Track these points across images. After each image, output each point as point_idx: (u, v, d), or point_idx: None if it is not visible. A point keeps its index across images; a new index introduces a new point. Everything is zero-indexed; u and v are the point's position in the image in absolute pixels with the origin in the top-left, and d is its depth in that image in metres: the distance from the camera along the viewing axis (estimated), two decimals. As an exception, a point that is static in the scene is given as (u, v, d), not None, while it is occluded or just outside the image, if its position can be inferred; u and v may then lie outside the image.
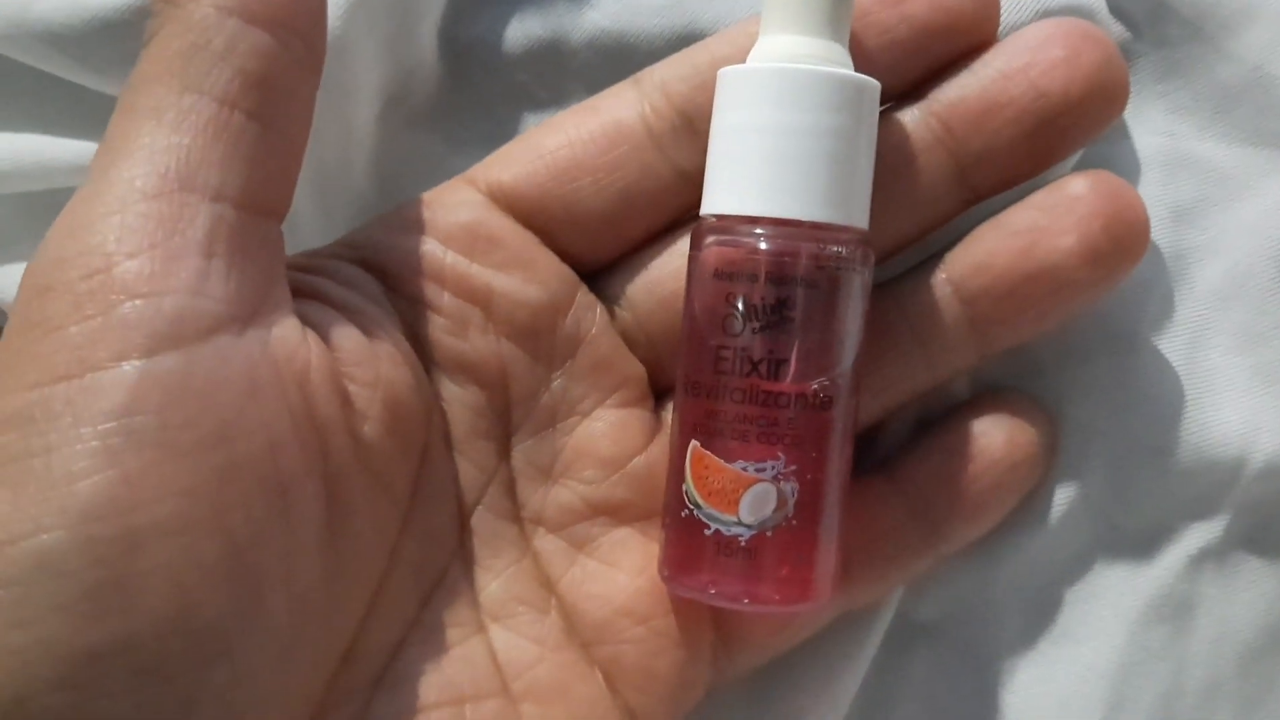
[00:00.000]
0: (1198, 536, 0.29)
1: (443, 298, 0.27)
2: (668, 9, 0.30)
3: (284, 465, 0.22)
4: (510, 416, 0.27)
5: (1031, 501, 0.29)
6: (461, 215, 0.27)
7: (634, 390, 0.28)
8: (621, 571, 0.27)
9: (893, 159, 0.27)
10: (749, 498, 0.24)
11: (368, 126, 0.30)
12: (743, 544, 0.24)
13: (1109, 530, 0.29)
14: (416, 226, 0.27)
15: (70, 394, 0.20)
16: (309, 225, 0.30)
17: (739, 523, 0.24)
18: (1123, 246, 0.27)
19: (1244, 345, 0.29)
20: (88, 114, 0.30)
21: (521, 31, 0.31)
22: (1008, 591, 0.29)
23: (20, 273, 0.30)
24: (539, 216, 0.27)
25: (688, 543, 0.25)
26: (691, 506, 0.25)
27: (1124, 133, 0.30)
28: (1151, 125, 0.30)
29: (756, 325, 0.24)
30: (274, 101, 0.23)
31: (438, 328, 0.27)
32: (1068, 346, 0.29)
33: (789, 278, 0.24)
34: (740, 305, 0.24)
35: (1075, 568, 0.29)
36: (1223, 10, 0.30)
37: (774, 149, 0.24)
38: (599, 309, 0.28)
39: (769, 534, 0.24)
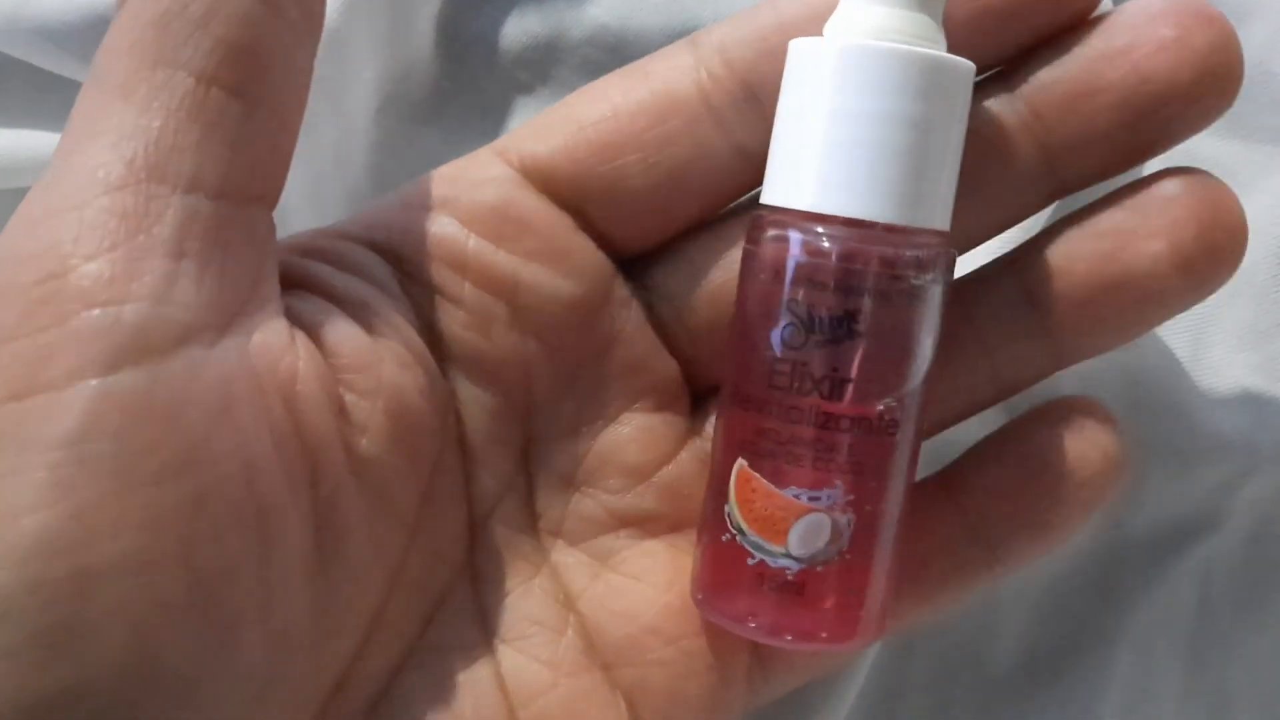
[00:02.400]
0: (1202, 533, 0.29)
1: (463, 289, 0.24)
2: (668, 5, 0.30)
3: (263, 491, 0.20)
4: (531, 421, 0.25)
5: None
6: (488, 194, 0.24)
7: (666, 393, 0.25)
8: (649, 587, 0.24)
9: (974, 145, 0.23)
10: (800, 528, 0.22)
11: (365, 123, 0.30)
12: (789, 578, 0.22)
13: (1113, 528, 0.29)
14: (437, 205, 0.24)
15: (19, 416, 0.18)
16: (302, 223, 0.30)
17: (787, 554, 0.22)
18: (1218, 255, 0.24)
19: (1247, 342, 0.29)
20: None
21: (521, 27, 0.30)
22: (1012, 590, 0.29)
23: None
24: (577, 197, 0.24)
25: (727, 569, 0.23)
26: (734, 531, 0.22)
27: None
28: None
29: (820, 338, 0.21)
30: (261, 75, 0.20)
31: (456, 323, 0.24)
32: None
33: (859, 287, 0.21)
34: (803, 314, 0.22)
35: (1080, 566, 0.29)
36: (1222, 6, 0.30)
37: (852, 138, 0.21)
38: (634, 305, 0.25)
39: (819, 568, 0.22)
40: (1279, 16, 0.30)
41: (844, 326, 0.21)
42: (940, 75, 0.21)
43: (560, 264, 0.24)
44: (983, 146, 0.24)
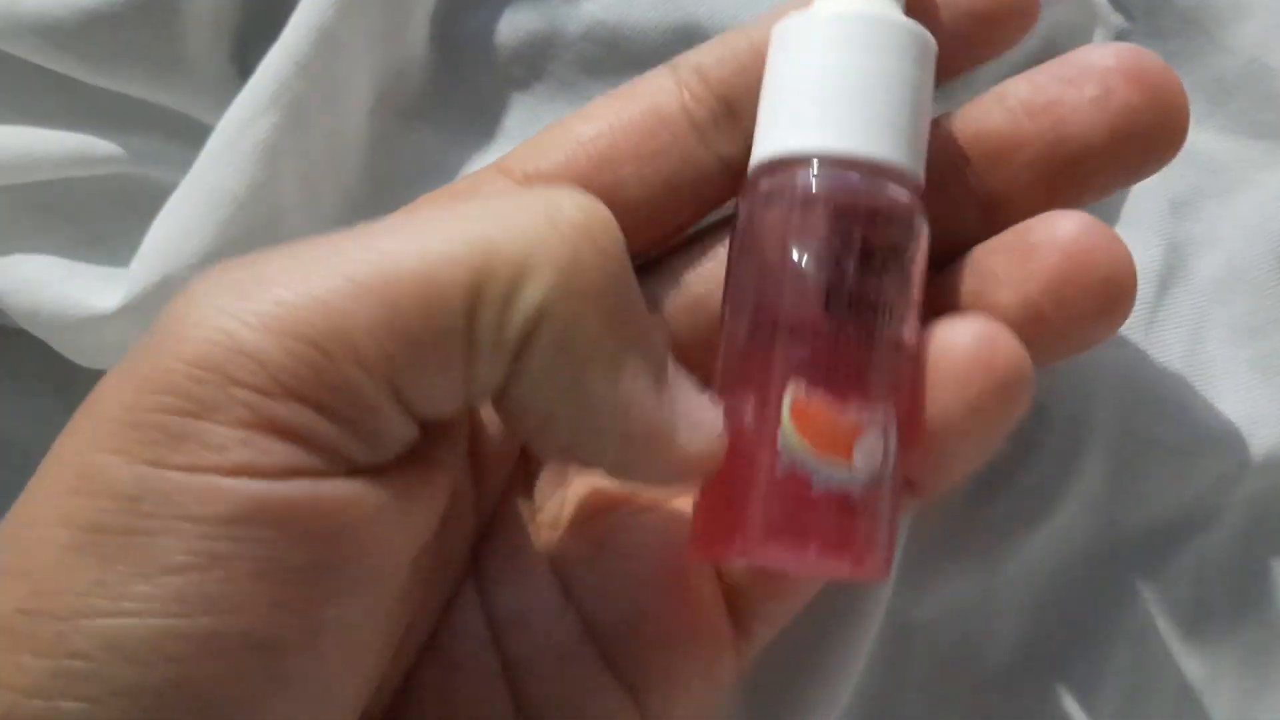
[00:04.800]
0: (1198, 530, 0.29)
1: None
2: (664, 2, 0.30)
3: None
4: None
5: (1030, 497, 0.29)
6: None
7: None
8: (640, 564, 0.25)
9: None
10: (863, 445, 0.22)
11: (359, 120, 0.30)
12: (856, 497, 0.22)
13: (1108, 525, 0.29)
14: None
15: (188, 485, 0.18)
16: (296, 222, 0.30)
17: (851, 472, 0.22)
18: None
19: (1242, 337, 0.29)
20: (79, 106, 0.30)
21: (516, 24, 0.30)
22: (1008, 588, 0.29)
23: (13, 266, 0.30)
24: None
25: (787, 502, 0.22)
26: (794, 459, 0.22)
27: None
28: (1148, 116, 0.30)
29: (871, 266, 0.22)
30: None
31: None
32: None
33: (896, 219, 0.23)
34: (857, 245, 0.22)
35: (1075, 563, 0.29)
36: (1218, 2, 0.30)
37: (860, 91, 0.23)
38: None
39: (874, 490, 0.22)
40: (1274, 12, 0.30)
41: (892, 258, 0.23)
42: (916, 41, 0.23)
43: None
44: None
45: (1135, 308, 0.29)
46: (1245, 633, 0.29)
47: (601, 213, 0.21)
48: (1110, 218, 0.29)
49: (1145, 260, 0.29)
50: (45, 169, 0.30)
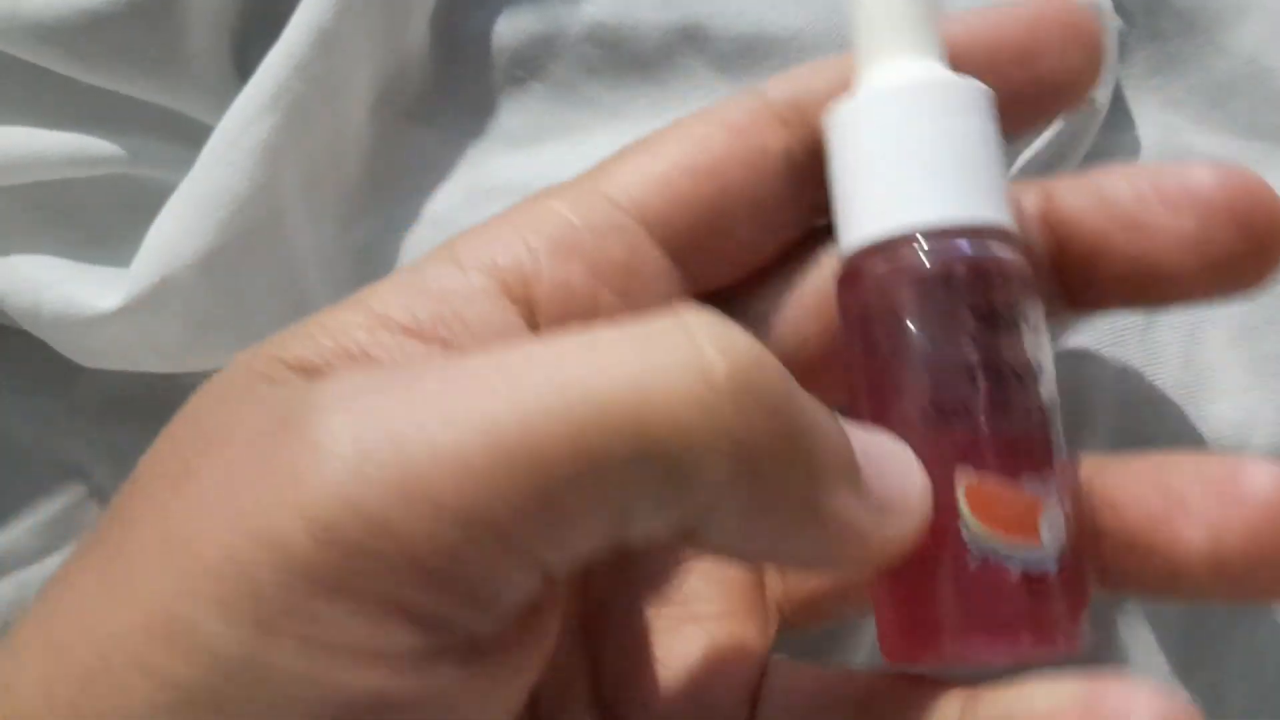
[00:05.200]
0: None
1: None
2: (665, 3, 0.30)
3: None
4: None
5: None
6: (618, 247, 0.22)
7: None
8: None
9: None
10: (1046, 519, 0.21)
11: (360, 120, 0.30)
12: (1052, 576, 0.21)
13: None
14: (565, 253, 0.22)
15: (299, 665, 0.17)
16: (296, 220, 0.30)
17: (1043, 551, 0.21)
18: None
19: (1239, 339, 0.29)
20: (79, 107, 0.30)
21: (517, 25, 0.30)
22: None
23: (14, 266, 0.30)
24: (687, 247, 0.23)
25: (988, 596, 0.21)
26: (985, 551, 0.21)
27: (1120, 125, 0.30)
28: (1147, 118, 0.30)
29: (1003, 329, 0.22)
30: None
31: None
32: (1064, 341, 0.29)
33: (1014, 278, 0.22)
34: (984, 312, 0.22)
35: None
36: (1217, 3, 0.30)
37: (945, 157, 0.22)
38: None
39: (1066, 560, 0.21)
40: (1273, 13, 0.30)
41: (1018, 316, 0.22)
42: (973, 95, 0.23)
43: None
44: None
45: (1132, 310, 0.29)
46: (1247, 638, 0.29)
47: (754, 354, 0.18)
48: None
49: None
50: (46, 169, 0.30)
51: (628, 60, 0.30)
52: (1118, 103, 0.31)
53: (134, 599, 0.17)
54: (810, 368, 0.24)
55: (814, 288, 0.24)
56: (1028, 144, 0.30)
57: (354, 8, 0.29)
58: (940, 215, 0.22)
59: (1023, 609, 0.21)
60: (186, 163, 0.29)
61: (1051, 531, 0.21)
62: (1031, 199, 0.24)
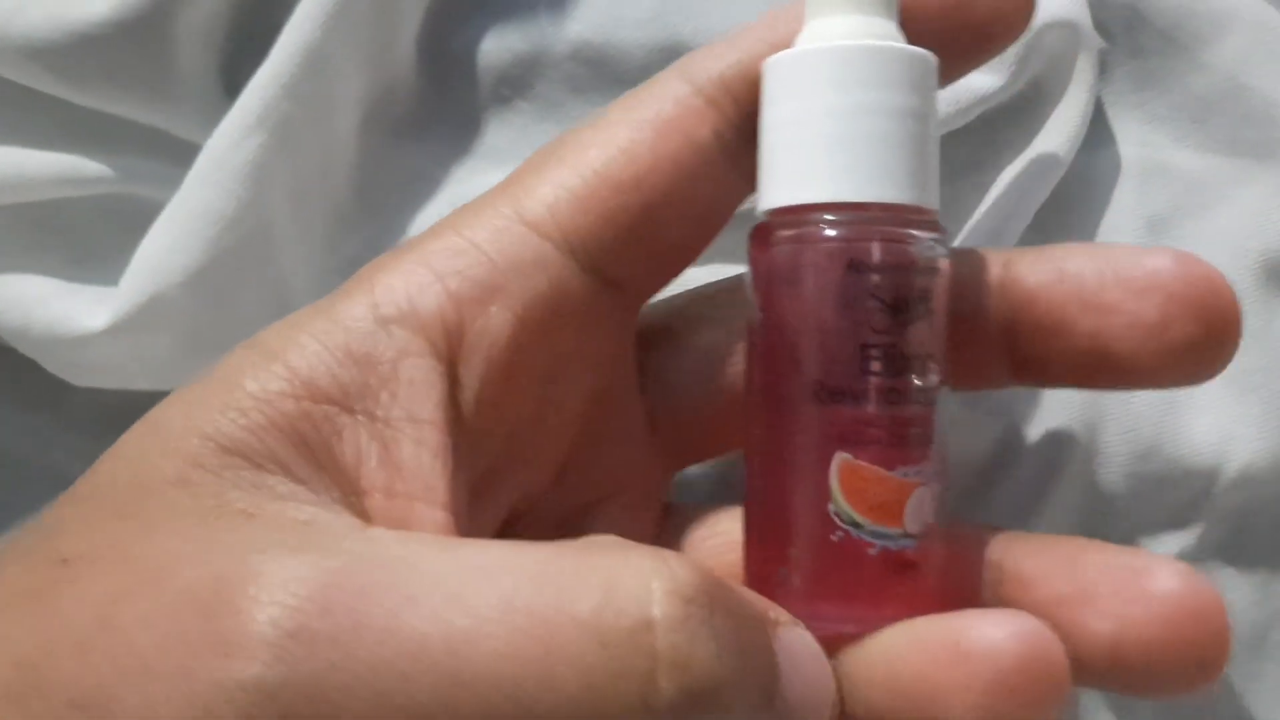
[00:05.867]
0: (1175, 545, 0.29)
1: (507, 390, 0.22)
2: (649, 21, 0.30)
3: None
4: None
5: (1008, 511, 0.29)
6: (540, 283, 0.22)
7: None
8: None
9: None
10: (911, 505, 0.22)
11: (348, 138, 0.31)
12: (910, 556, 0.22)
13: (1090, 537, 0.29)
14: (486, 294, 0.22)
15: None
16: (286, 237, 0.30)
17: (905, 534, 0.22)
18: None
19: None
20: (68, 127, 0.30)
21: (503, 43, 0.31)
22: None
23: (4, 286, 0.30)
24: (617, 265, 0.23)
25: (845, 568, 0.22)
26: (848, 527, 0.22)
27: (1100, 142, 0.31)
28: (1127, 135, 0.31)
29: (905, 318, 0.22)
30: None
31: (499, 423, 0.23)
32: None
33: (923, 266, 0.22)
34: (889, 298, 0.22)
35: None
36: (1197, 20, 0.31)
37: (874, 132, 0.22)
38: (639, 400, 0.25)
39: (925, 543, 0.22)
40: (1252, 30, 0.30)
41: (922, 305, 0.22)
42: (917, 66, 0.22)
43: (597, 354, 0.24)
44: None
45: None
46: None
47: (705, 670, 0.18)
48: (1087, 237, 0.30)
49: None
50: (36, 189, 0.30)
51: (612, 78, 0.31)
52: (1098, 120, 0.31)
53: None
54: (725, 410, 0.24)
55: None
56: (1008, 163, 0.30)
57: (341, 28, 0.29)
58: (858, 191, 0.22)
59: (875, 585, 0.22)
60: (176, 182, 0.29)
61: (917, 517, 0.22)
62: (991, 268, 0.24)
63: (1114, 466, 0.29)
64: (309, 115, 0.29)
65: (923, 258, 0.22)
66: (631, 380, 0.25)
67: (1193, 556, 0.29)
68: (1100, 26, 0.31)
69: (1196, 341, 0.22)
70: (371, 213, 0.31)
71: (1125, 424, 0.29)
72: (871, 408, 0.22)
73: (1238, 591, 0.29)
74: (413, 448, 0.21)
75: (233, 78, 0.31)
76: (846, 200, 0.22)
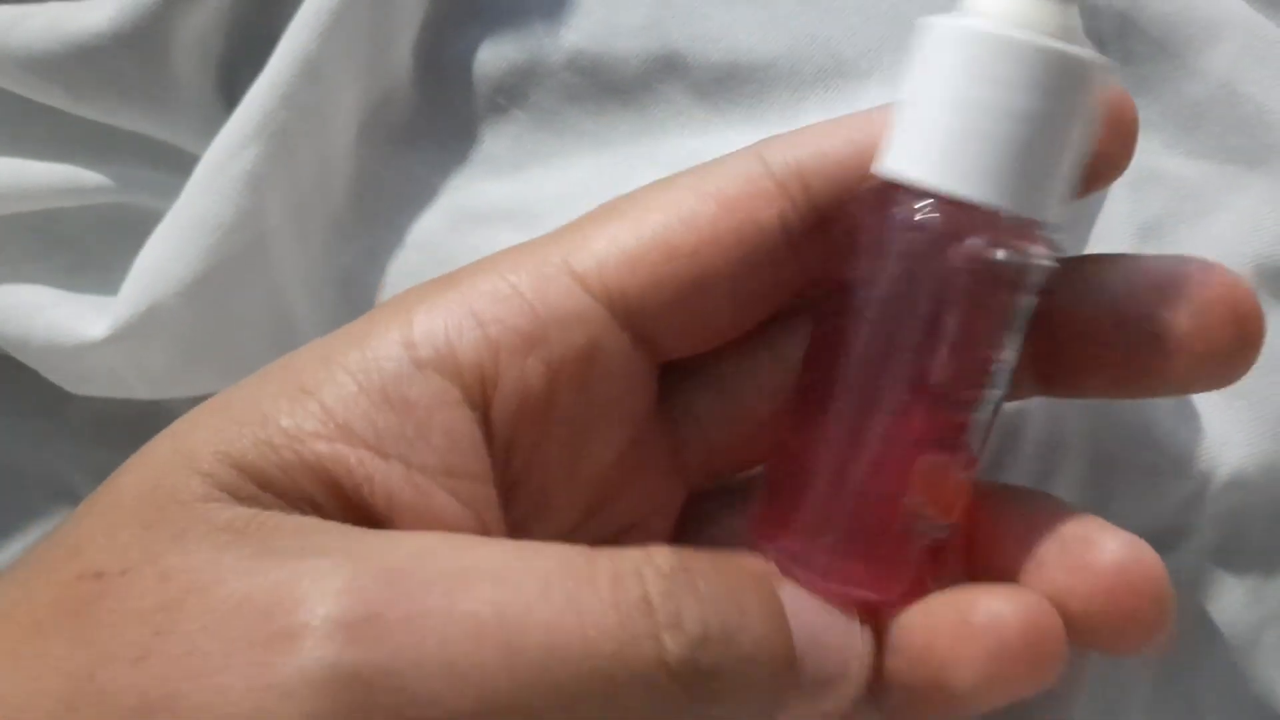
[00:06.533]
0: (1169, 547, 0.29)
1: (542, 441, 0.23)
2: (645, 30, 0.31)
3: None
4: None
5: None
6: (578, 337, 0.22)
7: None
8: None
9: None
10: (959, 503, 0.23)
11: (345, 148, 0.31)
12: (944, 540, 0.23)
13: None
14: (524, 344, 0.22)
15: None
16: (284, 247, 0.30)
17: (947, 527, 0.23)
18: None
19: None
20: (68, 137, 0.31)
21: (499, 53, 0.31)
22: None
23: (4, 295, 0.31)
24: (658, 329, 0.23)
25: (893, 550, 0.23)
26: (914, 519, 0.22)
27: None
28: (1120, 142, 0.31)
29: (1019, 336, 0.22)
30: None
31: (531, 472, 0.23)
32: None
33: (1042, 287, 0.22)
34: (1017, 315, 0.22)
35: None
36: (1189, 27, 0.31)
37: (1057, 144, 0.21)
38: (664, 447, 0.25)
39: (953, 536, 0.23)
40: (1245, 37, 0.31)
41: (1028, 322, 0.22)
42: (1081, 74, 0.21)
43: (631, 410, 0.24)
44: None
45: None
46: (1216, 648, 0.29)
47: (707, 632, 0.20)
48: (1081, 244, 0.30)
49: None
50: (36, 199, 0.31)
51: (608, 87, 0.31)
52: (1091, 127, 0.31)
53: None
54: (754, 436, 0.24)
55: (783, 363, 0.25)
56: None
57: (338, 38, 0.29)
58: (1021, 203, 0.21)
59: (916, 567, 0.23)
60: (174, 191, 0.29)
61: (961, 509, 0.23)
62: None
63: (1106, 470, 0.29)
64: (306, 125, 0.29)
65: (1044, 279, 0.22)
66: (657, 420, 0.25)
67: (1185, 560, 0.29)
68: (1092, 33, 0.31)
69: (1227, 348, 0.23)
70: (369, 221, 0.31)
71: (1117, 428, 0.29)
72: (970, 417, 0.22)
73: (1231, 594, 0.29)
74: (446, 499, 0.21)
75: (231, 88, 0.31)
76: (1009, 210, 0.21)
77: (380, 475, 0.21)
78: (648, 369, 0.23)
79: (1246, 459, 0.29)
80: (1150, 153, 0.31)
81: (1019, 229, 0.21)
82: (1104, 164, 0.23)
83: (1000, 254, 0.21)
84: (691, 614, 0.20)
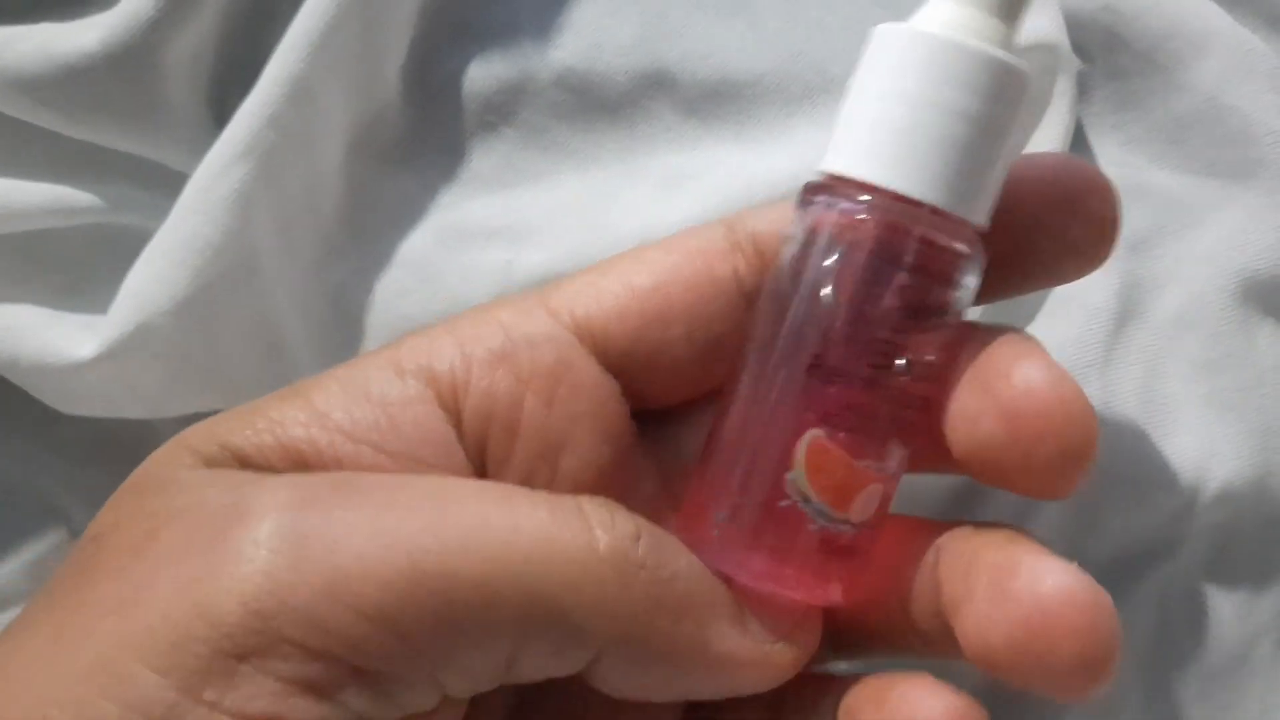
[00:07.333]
0: (1160, 561, 0.29)
1: (513, 449, 0.24)
2: (633, 48, 0.31)
3: None
4: None
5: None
6: (547, 355, 0.24)
7: None
8: None
9: None
10: (863, 496, 0.23)
11: (333, 168, 0.31)
12: (846, 542, 0.23)
13: (1073, 555, 0.29)
14: (496, 359, 0.24)
15: None
16: (274, 265, 0.30)
17: (847, 520, 0.23)
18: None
19: (1199, 373, 0.29)
20: (58, 157, 0.31)
21: (488, 71, 0.31)
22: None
23: None
24: (624, 362, 0.24)
25: (782, 532, 0.23)
26: (797, 499, 0.23)
27: (1080, 164, 0.31)
28: (1107, 156, 0.31)
29: (919, 324, 0.23)
30: None
31: (505, 480, 0.24)
32: None
33: (953, 279, 0.23)
34: (911, 299, 0.22)
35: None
36: (1175, 42, 0.31)
37: (969, 140, 0.22)
38: (649, 471, 0.26)
39: (862, 533, 0.23)
40: (1231, 52, 0.31)
41: (938, 315, 0.23)
42: (1012, 80, 0.22)
43: (603, 430, 0.24)
44: None
45: (1091, 346, 0.29)
46: (1207, 662, 0.29)
47: (632, 530, 0.22)
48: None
49: (1101, 300, 0.29)
50: (26, 219, 0.31)
51: (596, 105, 0.31)
52: (1078, 141, 0.31)
53: (81, 647, 0.20)
54: None
55: None
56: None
57: (326, 58, 0.29)
58: (919, 188, 0.22)
59: (805, 557, 0.23)
60: (164, 211, 0.29)
61: (864, 508, 0.23)
62: None
63: (1096, 486, 0.29)
64: (294, 145, 0.29)
65: (955, 271, 0.23)
66: (643, 458, 0.25)
67: (1176, 574, 0.29)
68: (1079, 48, 0.31)
69: (1054, 464, 0.22)
70: (358, 240, 0.31)
71: (1106, 442, 0.29)
72: (859, 396, 0.23)
73: (1222, 608, 0.29)
74: None
75: (221, 108, 0.31)
76: (907, 193, 0.22)
77: (349, 457, 0.23)
78: (618, 396, 0.24)
79: (1236, 473, 0.29)
80: (1137, 167, 0.31)
81: (941, 222, 0.22)
82: (1080, 256, 0.24)
83: (914, 249, 0.22)
84: (624, 521, 0.22)
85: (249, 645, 0.20)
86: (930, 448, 0.23)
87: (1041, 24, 0.30)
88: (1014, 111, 0.23)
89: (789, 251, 0.23)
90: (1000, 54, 0.22)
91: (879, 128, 0.22)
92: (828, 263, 0.23)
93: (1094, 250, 0.24)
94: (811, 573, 0.23)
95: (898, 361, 0.23)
